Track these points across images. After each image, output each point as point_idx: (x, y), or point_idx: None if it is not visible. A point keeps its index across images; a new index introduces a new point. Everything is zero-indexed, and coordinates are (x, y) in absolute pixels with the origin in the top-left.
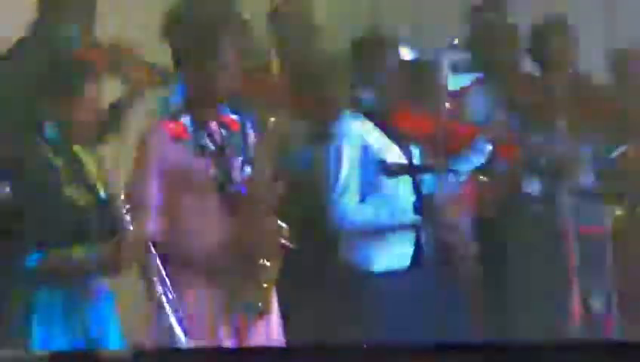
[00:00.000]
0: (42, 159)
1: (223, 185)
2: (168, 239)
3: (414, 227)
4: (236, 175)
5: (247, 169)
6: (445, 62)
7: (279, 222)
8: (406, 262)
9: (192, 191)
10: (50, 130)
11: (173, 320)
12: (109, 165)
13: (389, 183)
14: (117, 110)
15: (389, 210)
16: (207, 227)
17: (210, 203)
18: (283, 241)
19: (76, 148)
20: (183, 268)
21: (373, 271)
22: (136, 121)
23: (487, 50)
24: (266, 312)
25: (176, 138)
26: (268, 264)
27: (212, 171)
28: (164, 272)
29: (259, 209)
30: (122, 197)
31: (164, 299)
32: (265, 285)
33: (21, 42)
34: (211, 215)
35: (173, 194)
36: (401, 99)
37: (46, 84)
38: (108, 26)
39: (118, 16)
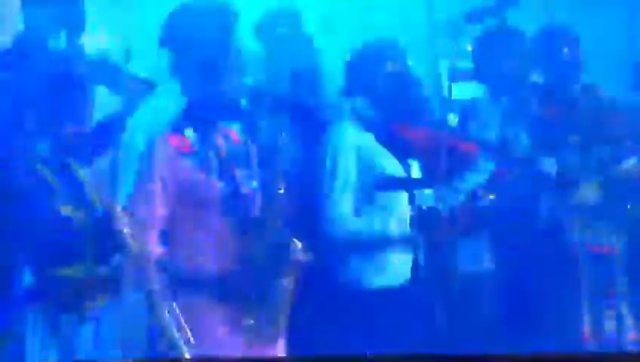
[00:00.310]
0: (36, 175)
1: (230, 199)
2: (174, 256)
3: (410, 241)
4: (243, 188)
5: (253, 182)
6: (447, 71)
7: (293, 238)
8: (402, 274)
9: (197, 205)
10: (43, 145)
11: (175, 333)
12: (104, 180)
13: (385, 196)
14: (111, 123)
15: (384, 222)
16: (215, 243)
17: (216, 218)
18: (297, 257)
19: (71, 163)
20: (189, 285)
21: (368, 283)
22: (132, 133)
23: (490, 60)
24: (281, 333)
25: (180, 152)
26: (284, 282)
27: (218, 185)
28: (167, 289)
29: (270, 224)
30: (120, 211)
31: (166, 315)
32: (281, 305)
33: (9, 52)
34: (219, 230)
35: (178, 209)
36: (401, 109)
37: (38, 97)
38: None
39: (109, 25)
